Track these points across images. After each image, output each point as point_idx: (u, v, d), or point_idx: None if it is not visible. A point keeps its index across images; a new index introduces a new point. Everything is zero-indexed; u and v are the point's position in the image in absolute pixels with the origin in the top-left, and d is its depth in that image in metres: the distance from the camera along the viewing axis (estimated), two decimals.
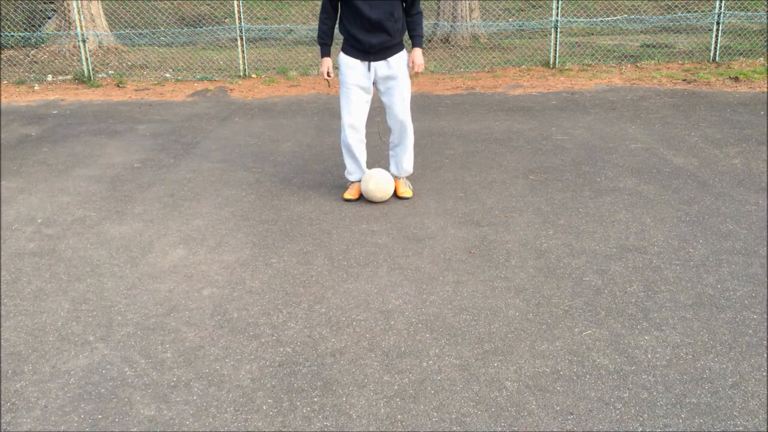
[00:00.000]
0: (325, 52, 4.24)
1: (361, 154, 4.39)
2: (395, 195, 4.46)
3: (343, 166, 5.17)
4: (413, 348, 2.73)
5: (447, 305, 3.06)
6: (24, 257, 3.70)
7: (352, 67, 4.13)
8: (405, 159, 4.40)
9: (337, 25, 4.22)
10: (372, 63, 4.12)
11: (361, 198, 4.46)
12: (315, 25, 12.74)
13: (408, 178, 4.67)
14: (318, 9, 14.27)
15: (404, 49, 4.19)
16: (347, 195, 4.46)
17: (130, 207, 4.43)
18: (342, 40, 4.20)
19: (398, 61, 4.15)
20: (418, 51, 4.18)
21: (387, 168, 4.61)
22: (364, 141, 4.39)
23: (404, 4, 4.11)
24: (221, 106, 7.69)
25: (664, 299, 3.06)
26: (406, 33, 4.24)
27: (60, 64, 10.23)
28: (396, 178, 4.49)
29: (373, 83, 4.23)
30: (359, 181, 4.48)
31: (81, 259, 3.66)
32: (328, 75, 4.22)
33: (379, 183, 4.33)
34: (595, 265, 3.42)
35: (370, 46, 4.05)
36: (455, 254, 3.58)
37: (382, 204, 4.34)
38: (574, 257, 3.51)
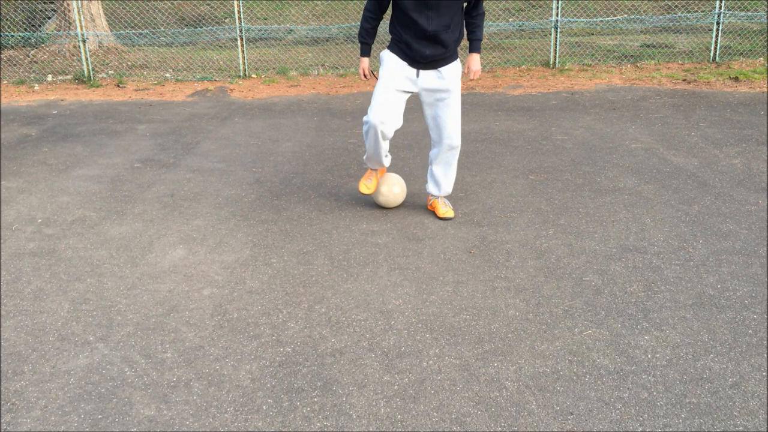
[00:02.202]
0: (365, 52, 3.91)
1: (385, 145, 3.99)
2: (436, 216, 4.12)
3: (343, 166, 5.17)
4: (413, 348, 2.73)
5: (447, 305, 3.06)
6: (24, 257, 3.70)
7: (399, 67, 3.76)
8: (448, 180, 4.04)
9: (387, 22, 3.88)
10: (421, 71, 3.76)
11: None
12: (315, 24, 12.72)
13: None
14: (319, 8, 14.24)
15: (458, 59, 3.84)
16: (363, 188, 4.14)
17: (130, 207, 4.43)
18: (390, 38, 3.87)
19: (451, 72, 3.77)
20: (476, 57, 3.88)
21: (424, 185, 4.35)
22: (390, 137, 3.94)
23: (467, 5, 3.77)
24: (221, 106, 7.69)
25: (664, 299, 3.06)
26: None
27: (60, 64, 10.23)
28: (434, 198, 4.15)
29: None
30: (377, 170, 4.19)
31: (81, 259, 3.66)
32: (365, 77, 3.94)
33: (402, 188, 4.19)
34: (595, 265, 3.42)
35: (422, 57, 3.69)
36: (455, 254, 3.58)
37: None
38: (574, 257, 3.51)
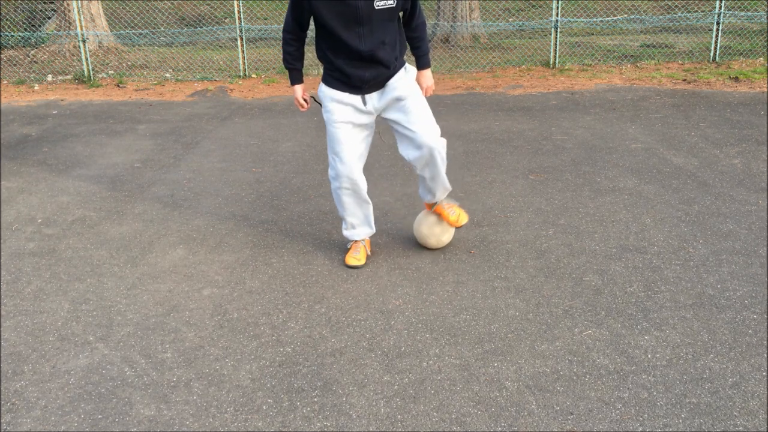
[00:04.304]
0: (296, 79, 3.32)
1: (364, 204, 3.43)
2: (448, 223, 3.53)
3: None
4: (413, 348, 2.73)
5: (447, 305, 3.06)
6: (24, 257, 3.70)
7: (339, 101, 3.18)
8: (438, 183, 3.39)
9: (315, 49, 3.25)
10: (366, 96, 3.19)
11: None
12: None
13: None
14: None
15: (404, 66, 3.26)
16: (352, 260, 3.44)
17: (130, 207, 4.43)
18: (322, 67, 3.27)
19: (401, 81, 3.19)
20: (426, 73, 3.32)
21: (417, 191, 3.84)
22: (365, 188, 3.38)
23: (402, 14, 3.18)
24: (221, 106, 7.69)
25: (664, 299, 3.06)
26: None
27: (60, 64, 10.23)
28: (435, 204, 3.54)
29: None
30: (363, 240, 3.54)
31: (81, 259, 3.66)
32: (303, 107, 3.37)
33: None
34: (595, 265, 3.42)
35: (362, 82, 3.13)
36: (455, 254, 3.58)
37: (382, 204, 4.34)
38: (574, 257, 3.51)
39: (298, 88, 3.35)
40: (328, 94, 3.20)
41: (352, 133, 3.22)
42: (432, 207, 3.57)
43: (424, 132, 3.18)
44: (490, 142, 5.73)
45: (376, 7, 2.99)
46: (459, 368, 2.59)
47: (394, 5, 3.02)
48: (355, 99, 3.18)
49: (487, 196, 4.45)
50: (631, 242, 3.67)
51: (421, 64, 3.32)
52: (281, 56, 3.30)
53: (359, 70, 3.10)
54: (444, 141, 3.28)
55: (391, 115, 3.22)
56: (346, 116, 3.19)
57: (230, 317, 3.01)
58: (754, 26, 10.50)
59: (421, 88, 3.32)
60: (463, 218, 3.49)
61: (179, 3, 14.10)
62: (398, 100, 3.17)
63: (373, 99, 3.20)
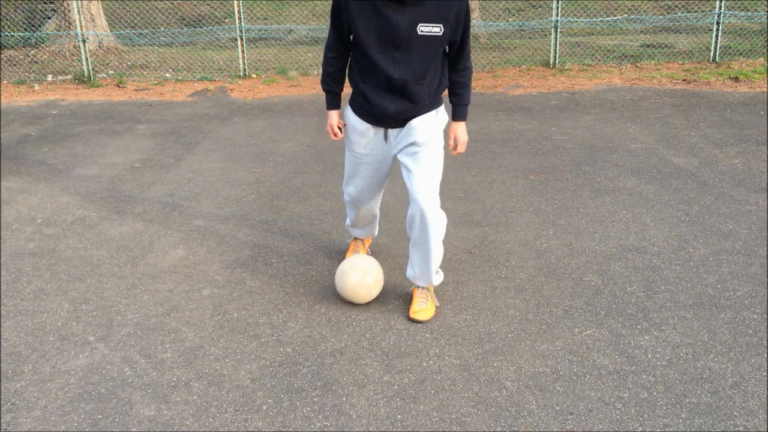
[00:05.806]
0: (333, 103, 3.01)
1: (371, 218, 3.40)
2: (408, 315, 3.01)
3: (343, 166, 5.13)
4: (413, 348, 2.73)
5: (447, 305, 3.06)
6: (24, 257, 3.70)
7: (361, 133, 2.93)
8: (424, 264, 2.96)
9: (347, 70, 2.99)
10: (389, 130, 2.91)
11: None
12: (315, 24, 12.70)
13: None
14: (318, 9, 14.19)
15: (437, 108, 2.92)
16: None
17: (130, 207, 4.43)
18: (351, 90, 2.98)
19: (425, 124, 2.85)
20: (461, 127, 2.95)
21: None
22: (377, 206, 3.32)
23: (448, 50, 2.83)
24: (221, 106, 7.69)
25: (664, 299, 3.06)
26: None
27: (60, 64, 10.23)
28: (413, 285, 3.13)
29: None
30: (363, 240, 3.55)
31: (81, 259, 3.66)
32: (336, 135, 3.05)
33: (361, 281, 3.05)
34: (595, 265, 3.42)
35: (384, 115, 2.82)
36: (455, 254, 3.58)
37: (382, 204, 4.33)
38: (574, 257, 3.51)
39: (334, 114, 3.01)
40: (352, 121, 2.95)
41: (369, 168, 3.03)
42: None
43: (420, 190, 2.83)
44: (490, 142, 5.73)
45: (419, 32, 2.65)
46: (459, 368, 2.59)
47: (440, 34, 2.67)
48: (378, 133, 2.93)
49: (487, 196, 4.45)
50: (631, 242, 3.67)
51: (459, 114, 2.95)
52: (320, 76, 3.05)
53: (384, 101, 2.80)
54: (443, 216, 2.93)
55: (401, 157, 2.93)
56: (366, 150, 2.98)
57: (230, 317, 3.01)
58: (754, 26, 10.50)
59: (451, 140, 2.98)
60: (421, 315, 2.95)
61: (179, 3, 14.10)
62: (413, 144, 2.86)
63: (397, 136, 2.92)
